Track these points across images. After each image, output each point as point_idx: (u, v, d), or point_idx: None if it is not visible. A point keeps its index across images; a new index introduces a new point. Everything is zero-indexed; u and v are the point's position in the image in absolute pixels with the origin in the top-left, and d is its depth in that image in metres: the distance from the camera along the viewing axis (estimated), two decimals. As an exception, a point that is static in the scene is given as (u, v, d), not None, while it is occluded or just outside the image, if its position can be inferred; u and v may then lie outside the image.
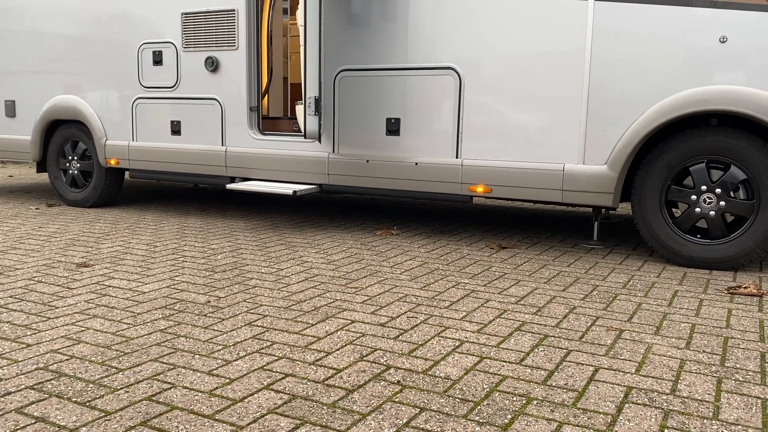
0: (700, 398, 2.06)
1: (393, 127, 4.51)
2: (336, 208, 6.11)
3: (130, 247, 4.25)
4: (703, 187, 3.76)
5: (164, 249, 4.21)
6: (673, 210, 3.98)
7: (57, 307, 2.95)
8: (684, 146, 3.76)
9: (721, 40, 3.59)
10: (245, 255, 4.05)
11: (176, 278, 3.48)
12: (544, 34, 4.01)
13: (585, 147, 3.98)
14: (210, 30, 5.05)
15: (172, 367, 2.27)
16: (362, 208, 6.14)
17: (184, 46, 5.19)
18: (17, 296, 3.11)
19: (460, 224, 5.27)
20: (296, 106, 5.01)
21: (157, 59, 5.31)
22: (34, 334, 2.59)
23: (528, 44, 4.07)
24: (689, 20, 3.66)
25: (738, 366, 2.34)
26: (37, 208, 5.87)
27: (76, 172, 5.96)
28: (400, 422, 1.88)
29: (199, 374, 2.21)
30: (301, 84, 6.19)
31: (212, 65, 5.06)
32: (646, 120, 3.78)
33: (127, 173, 7.24)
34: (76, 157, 5.95)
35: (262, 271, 3.65)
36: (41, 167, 6.21)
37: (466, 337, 2.60)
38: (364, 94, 4.58)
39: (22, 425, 1.84)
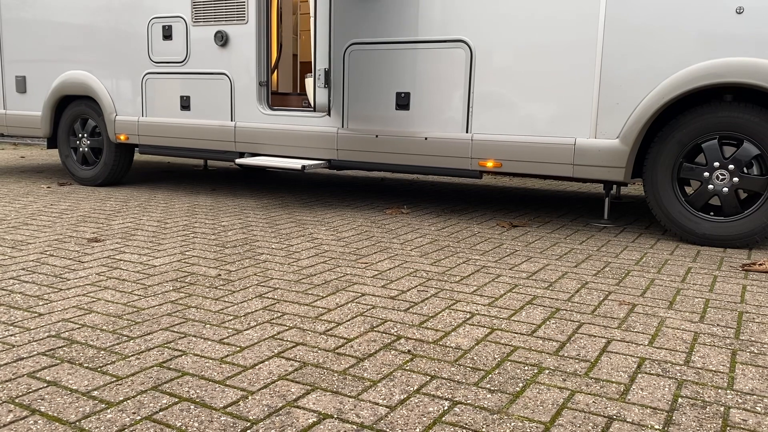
0: (714, 369, 2.04)
1: (403, 102, 4.47)
2: (346, 187, 6.09)
3: (141, 224, 4.26)
4: (716, 164, 3.71)
5: (175, 225, 4.21)
6: (686, 188, 3.94)
7: (68, 279, 2.95)
8: (696, 122, 3.71)
9: (738, 11, 3.52)
10: (255, 232, 4.04)
11: (187, 253, 3.48)
12: (557, 6, 3.95)
13: (597, 121, 3.93)
14: (219, 4, 5.00)
15: (182, 335, 2.27)
16: (372, 188, 6.11)
17: (194, 20, 5.15)
18: (29, 269, 3.12)
19: (471, 204, 5.25)
20: (306, 79, 4.97)
21: (167, 34, 5.28)
22: (46, 304, 2.60)
23: (540, 16, 4.01)
24: (706, -7, 3.59)
25: (753, 339, 2.31)
26: (48, 187, 5.88)
27: (86, 149, 5.96)
28: (411, 389, 1.87)
29: (210, 342, 2.21)
30: (310, 62, 6.15)
31: (222, 40, 5.03)
32: (660, 93, 3.72)
33: (136, 149, 7.23)
34: (86, 134, 5.95)
35: (273, 247, 3.65)
36: (51, 143, 6.21)
37: (477, 310, 2.59)
38: (374, 68, 4.54)
39: (34, 388, 1.84)
